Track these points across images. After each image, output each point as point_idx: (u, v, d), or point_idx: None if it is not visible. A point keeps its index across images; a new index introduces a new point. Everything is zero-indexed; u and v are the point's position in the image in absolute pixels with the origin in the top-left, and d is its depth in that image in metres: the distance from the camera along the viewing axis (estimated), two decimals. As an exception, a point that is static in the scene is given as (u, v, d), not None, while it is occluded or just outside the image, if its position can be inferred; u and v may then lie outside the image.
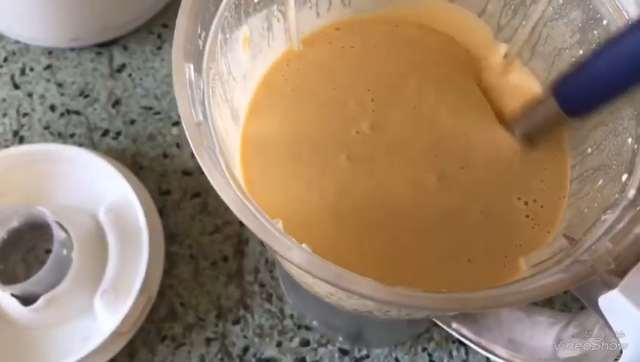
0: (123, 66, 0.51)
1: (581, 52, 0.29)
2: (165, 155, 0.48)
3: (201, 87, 0.24)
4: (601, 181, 0.27)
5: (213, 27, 0.26)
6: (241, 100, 0.31)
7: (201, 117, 0.23)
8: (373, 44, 0.34)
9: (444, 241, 0.29)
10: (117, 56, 0.51)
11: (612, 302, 0.21)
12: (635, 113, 0.26)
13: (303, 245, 0.23)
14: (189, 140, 0.22)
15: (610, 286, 0.21)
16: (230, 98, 0.29)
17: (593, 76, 0.26)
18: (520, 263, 0.29)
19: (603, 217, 0.24)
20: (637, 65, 0.24)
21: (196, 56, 0.24)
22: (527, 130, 0.31)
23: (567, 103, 0.28)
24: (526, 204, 0.30)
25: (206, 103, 0.24)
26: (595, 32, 0.28)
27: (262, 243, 0.45)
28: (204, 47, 0.25)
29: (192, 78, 0.23)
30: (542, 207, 0.30)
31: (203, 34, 0.25)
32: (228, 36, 0.28)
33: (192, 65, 0.23)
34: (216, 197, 0.45)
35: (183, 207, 0.46)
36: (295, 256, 0.21)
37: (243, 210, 0.22)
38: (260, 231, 0.22)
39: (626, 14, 0.27)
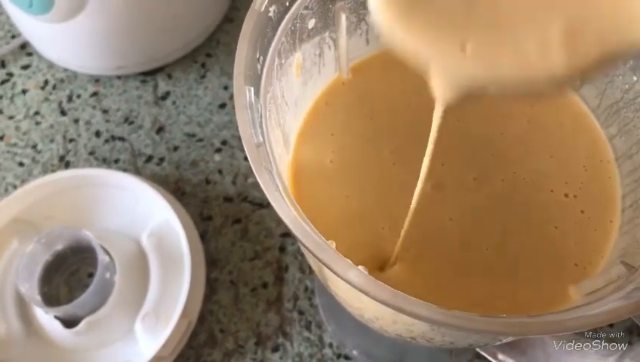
0: (167, 94, 0.52)
1: (635, 78, 0.29)
2: (207, 181, 0.48)
3: (260, 110, 0.25)
4: (657, 208, 0.27)
5: (270, 52, 0.26)
6: (291, 126, 0.31)
7: (260, 138, 0.23)
8: (417, 73, 0.35)
9: (495, 267, 0.29)
10: (161, 84, 0.53)
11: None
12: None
13: (360, 267, 0.23)
14: (250, 160, 0.22)
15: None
16: (282, 123, 0.29)
17: None
18: (569, 292, 0.28)
19: (663, 244, 0.24)
20: None
21: (255, 80, 0.25)
22: None
23: None
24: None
25: (264, 126, 0.25)
26: (650, 59, 0.28)
27: (302, 270, 0.45)
28: (262, 71, 0.26)
29: (252, 100, 0.24)
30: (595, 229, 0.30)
31: (261, 58, 0.26)
32: (283, 61, 0.28)
33: (252, 89, 0.24)
34: (257, 223, 0.46)
35: (224, 232, 0.46)
36: (353, 277, 0.21)
37: (302, 230, 0.22)
38: (319, 251, 0.22)
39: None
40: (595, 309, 0.22)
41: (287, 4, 0.27)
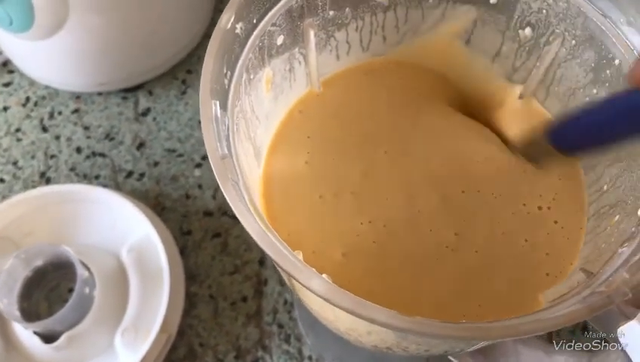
0: (148, 110, 0.53)
1: (595, 91, 0.30)
2: (187, 196, 0.49)
3: (227, 124, 0.25)
4: (617, 216, 0.27)
5: (238, 67, 0.27)
6: (263, 139, 0.32)
7: (225, 150, 0.24)
8: (387, 85, 0.36)
9: (461, 277, 0.29)
10: (142, 100, 0.53)
11: (631, 332, 0.21)
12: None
13: (324, 275, 0.23)
14: (214, 172, 0.23)
15: (628, 317, 0.21)
16: (253, 136, 0.30)
17: (579, 125, 0.27)
18: (539, 299, 0.29)
19: (620, 250, 0.24)
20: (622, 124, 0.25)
21: (222, 94, 0.25)
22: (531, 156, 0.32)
23: (556, 142, 0.29)
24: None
25: (230, 139, 0.25)
26: (608, 71, 0.29)
27: (281, 283, 0.45)
28: (229, 86, 0.26)
29: (218, 114, 0.24)
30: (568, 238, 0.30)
31: (229, 73, 0.26)
32: (252, 77, 0.29)
33: (217, 102, 0.24)
34: (237, 237, 0.47)
35: (203, 246, 0.47)
36: (316, 285, 0.22)
37: (267, 241, 0.22)
38: (283, 262, 0.22)
39: (636, 53, 0.27)
40: (553, 313, 0.23)
41: (255, 21, 0.28)
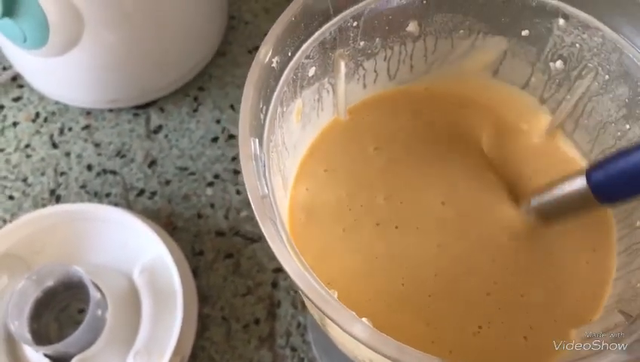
0: (159, 128, 0.52)
1: (627, 126, 0.30)
2: (199, 216, 0.48)
3: (263, 160, 0.25)
4: (653, 255, 0.27)
5: (272, 101, 0.27)
6: (290, 169, 0.32)
7: (265, 190, 0.24)
8: (411, 113, 0.35)
9: (495, 315, 0.29)
10: (154, 117, 0.53)
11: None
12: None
13: (364, 319, 0.23)
14: (255, 213, 0.23)
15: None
16: (282, 168, 0.30)
17: (632, 166, 0.26)
18: (571, 335, 0.29)
19: (661, 294, 0.24)
20: None
21: (259, 130, 0.25)
22: (549, 207, 0.30)
23: (601, 189, 0.27)
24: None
25: (267, 176, 0.25)
26: (643, 107, 0.29)
27: (294, 306, 0.45)
28: (264, 120, 0.26)
29: (257, 151, 0.24)
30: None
31: (264, 108, 0.26)
32: (285, 109, 0.28)
33: (257, 140, 0.24)
34: (249, 258, 0.46)
35: (215, 267, 0.46)
36: (359, 332, 0.21)
37: (307, 283, 0.22)
38: (324, 305, 0.22)
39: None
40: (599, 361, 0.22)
41: (290, 54, 0.27)
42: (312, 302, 0.22)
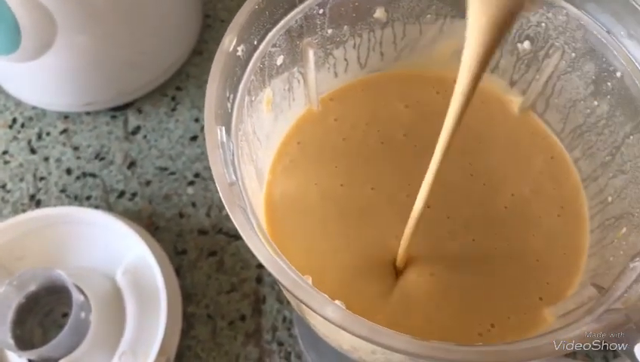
0: (138, 128, 0.52)
1: (596, 103, 0.30)
2: (181, 215, 0.48)
3: (231, 148, 0.25)
4: (624, 229, 0.27)
5: (240, 90, 0.27)
6: (264, 160, 0.32)
7: (233, 177, 0.24)
8: (384, 101, 0.35)
9: (467, 295, 0.29)
10: (132, 118, 0.52)
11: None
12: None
13: (337, 301, 0.23)
14: (223, 200, 0.23)
15: (646, 333, 0.21)
16: (255, 158, 0.30)
17: None
18: (545, 314, 0.29)
19: (631, 265, 0.24)
20: None
21: (226, 119, 0.25)
22: None
23: None
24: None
25: (236, 163, 0.25)
26: (609, 83, 0.29)
27: (280, 301, 0.45)
28: (232, 109, 0.26)
29: (224, 139, 0.24)
30: (564, 254, 0.30)
31: (231, 97, 0.26)
32: (253, 98, 0.28)
33: (223, 128, 0.24)
34: (232, 255, 0.46)
35: (199, 266, 0.46)
36: (330, 313, 0.21)
37: (278, 268, 0.22)
38: (296, 289, 0.22)
39: (638, 66, 0.27)
40: (568, 333, 0.22)
41: (256, 42, 0.27)
42: (285, 288, 0.22)
